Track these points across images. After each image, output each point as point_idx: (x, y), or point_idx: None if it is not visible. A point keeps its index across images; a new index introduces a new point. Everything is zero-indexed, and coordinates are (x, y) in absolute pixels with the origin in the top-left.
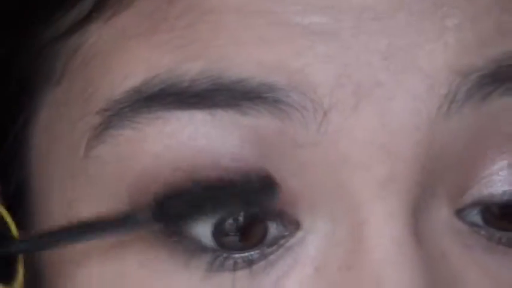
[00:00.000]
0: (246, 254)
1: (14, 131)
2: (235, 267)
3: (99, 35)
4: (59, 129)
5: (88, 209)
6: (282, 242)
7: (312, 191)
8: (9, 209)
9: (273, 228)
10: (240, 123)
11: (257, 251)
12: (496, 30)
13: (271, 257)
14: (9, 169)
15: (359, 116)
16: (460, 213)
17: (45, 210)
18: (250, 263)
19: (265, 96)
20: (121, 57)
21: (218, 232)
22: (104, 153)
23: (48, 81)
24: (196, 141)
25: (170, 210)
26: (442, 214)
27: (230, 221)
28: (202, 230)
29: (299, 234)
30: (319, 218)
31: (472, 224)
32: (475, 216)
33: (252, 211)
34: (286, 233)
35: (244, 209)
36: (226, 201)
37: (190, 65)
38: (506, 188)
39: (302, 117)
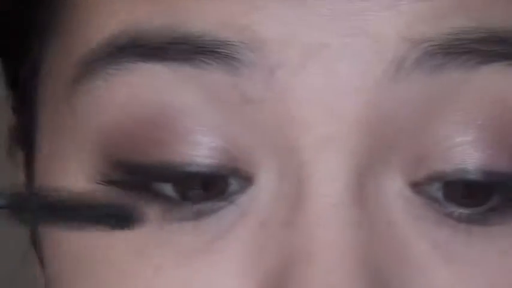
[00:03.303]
0: (197, 205)
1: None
2: (182, 219)
3: None
4: (49, 81)
5: (69, 163)
6: (233, 197)
7: (263, 148)
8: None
9: (231, 184)
10: (195, 77)
11: (208, 204)
12: (455, 4)
13: (221, 211)
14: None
15: (305, 75)
16: (416, 186)
17: (38, 161)
18: (198, 214)
19: (218, 51)
20: (96, 9)
21: (180, 185)
22: (79, 105)
23: (50, 32)
24: (157, 93)
25: (29, 206)
26: (395, 184)
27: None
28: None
29: (250, 189)
30: (269, 175)
31: (430, 198)
32: (435, 191)
33: None
34: (237, 189)
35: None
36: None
37: (154, 20)
38: (461, 165)
39: (251, 74)
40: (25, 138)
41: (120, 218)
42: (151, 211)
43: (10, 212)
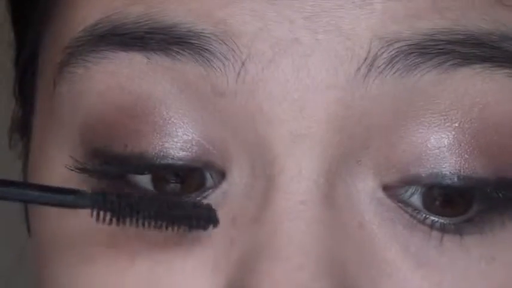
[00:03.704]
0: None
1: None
2: None
3: None
4: (43, 69)
5: (51, 151)
6: (207, 192)
7: (235, 142)
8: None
9: (207, 179)
10: (172, 68)
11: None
12: (431, 5)
13: None
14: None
15: (275, 69)
16: (390, 189)
17: (31, 150)
18: None
19: (192, 42)
20: None
21: (156, 177)
22: (62, 91)
23: (46, 20)
24: (133, 82)
25: (109, 205)
26: (367, 185)
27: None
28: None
29: (223, 185)
30: (241, 170)
31: (404, 202)
32: (410, 196)
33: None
34: (212, 184)
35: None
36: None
37: (133, 9)
38: (436, 168)
39: (223, 66)
40: (24, 128)
41: (200, 219)
42: None
43: (93, 212)
